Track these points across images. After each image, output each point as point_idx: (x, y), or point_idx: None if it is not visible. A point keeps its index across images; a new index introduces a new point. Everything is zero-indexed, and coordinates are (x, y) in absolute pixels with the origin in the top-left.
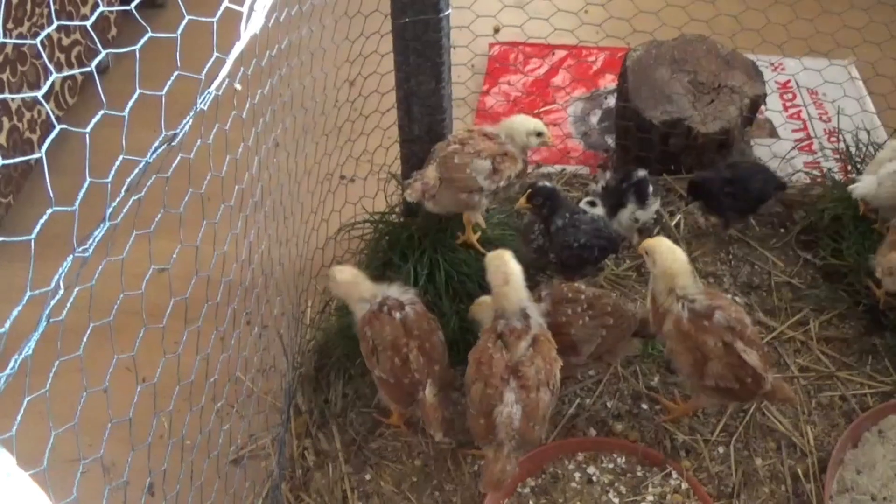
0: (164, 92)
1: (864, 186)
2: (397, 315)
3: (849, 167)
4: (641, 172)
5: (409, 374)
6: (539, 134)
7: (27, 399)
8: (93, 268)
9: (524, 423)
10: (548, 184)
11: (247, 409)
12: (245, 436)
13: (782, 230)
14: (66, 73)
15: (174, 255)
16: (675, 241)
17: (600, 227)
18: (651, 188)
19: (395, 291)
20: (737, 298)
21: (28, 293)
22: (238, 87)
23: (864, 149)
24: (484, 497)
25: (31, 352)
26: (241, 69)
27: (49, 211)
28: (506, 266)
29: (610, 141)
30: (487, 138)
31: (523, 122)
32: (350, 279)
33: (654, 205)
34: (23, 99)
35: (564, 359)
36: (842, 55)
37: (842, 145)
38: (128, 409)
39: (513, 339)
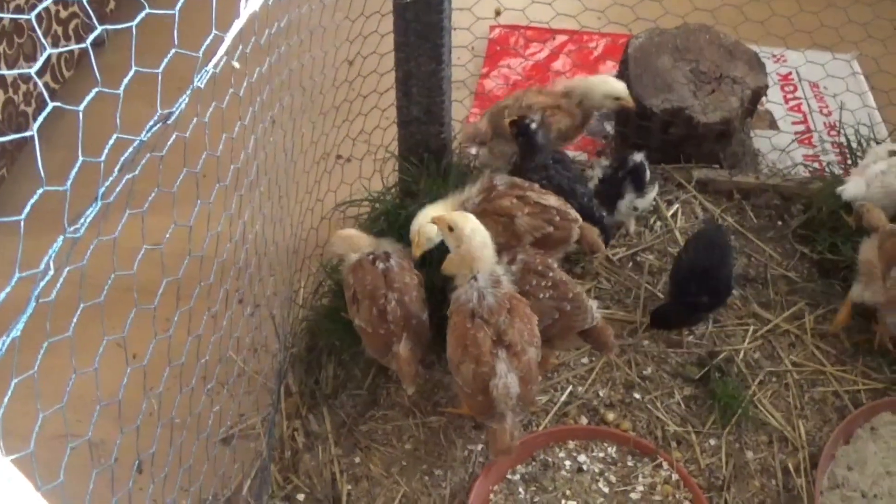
0: (160, 69)
1: (853, 187)
2: (381, 265)
3: (848, 161)
4: (638, 156)
5: (385, 325)
6: (617, 98)
7: (15, 380)
8: (84, 246)
9: (522, 388)
10: (534, 123)
11: (237, 389)
12: (235, 416)
13: (780, 223)
14: (61, 48)
15: (167, 235)
16: (671, 232)
17: (579, 193)
18: (648, 173)
19: (386, 244)
20: (733, 290)
21: (17, 275)
22: (236, 64)
23: (864, 144)
24: (474, 481)
25: (18, 333)
26: (240, 47)
27: (39, 190)
28: (481, 229)
29: (609, 128)
30: (541, 94)
31: (601, 84)
32: (353, 233)
33: (653, 191)
34: None
35: None
36: (845, 50)
37: (842, 139)
38: (117, 389)
39: (494, 318)
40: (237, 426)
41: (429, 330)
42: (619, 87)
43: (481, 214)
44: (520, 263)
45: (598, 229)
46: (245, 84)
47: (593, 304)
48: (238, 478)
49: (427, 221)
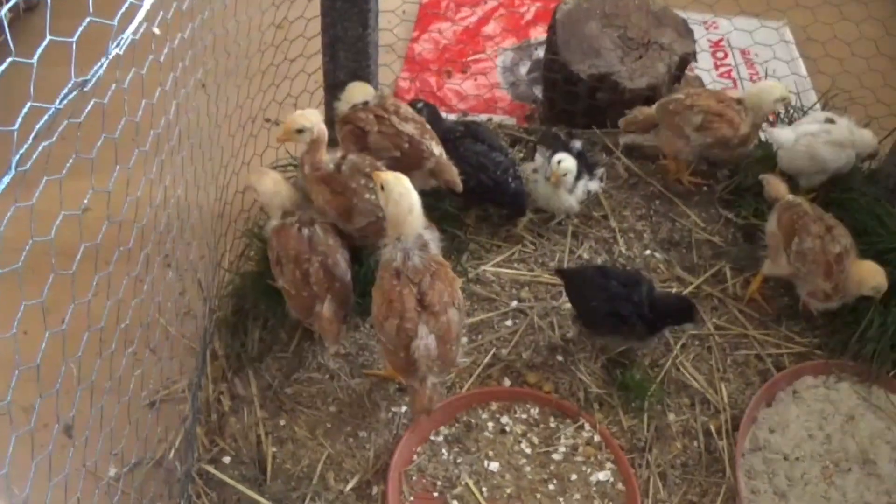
0: (74, 39)
1: (780, 134)
2: (305, 231)
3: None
4: (578, 144)
5: (308, 288)
6: (782, 98)
7: None
8: (1, 214)
9: (441, 347)
10: (428, 104)
11: (162, 353)
12: (162, 380)
13: (705, 188)
14: None
15: (86, 201)
16: (595, 195)
17: (488, 166)
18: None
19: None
20: (656, 254)
21: None
22: (157, 30)
23: (792, 112)
24: (397, 442)
25: None
26: (161, 12)
27: None
28: (410, 194)
29: (537, 92)
30: (714, 97)
31: (770, 91)
32: (271, 188)
33: (599, 173)
34: None
35: (336, 222)
36: (775, 17)
37: None
38: (37, 353)
39: (418, 279)
40: (163, 391)
41: (352, 291)
42: (782, 90)
43: (343, 120)
44: (349, 163)
45: (514, 199)
46: (166, 50)
47: None
48: (164, 441)
49: (310, 112)
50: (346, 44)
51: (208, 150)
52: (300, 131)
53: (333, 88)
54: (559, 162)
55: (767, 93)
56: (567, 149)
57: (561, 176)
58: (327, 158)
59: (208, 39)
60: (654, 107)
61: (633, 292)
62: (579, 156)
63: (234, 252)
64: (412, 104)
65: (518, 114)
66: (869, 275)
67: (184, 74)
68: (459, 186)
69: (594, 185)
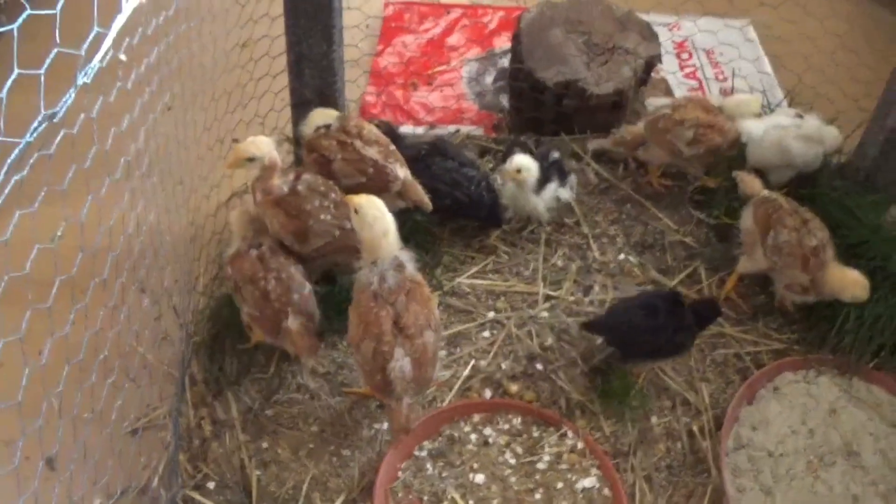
0: (42, 70)
1: (751, 125)
2: (254, 252)
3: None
4: (555, 153)
5: (270, 305)
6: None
7: None
8: None
9: (416, 371)
10: (385, 122)
11: (141, 381)
12: (142, 407)
13: (676, 189)
14: None
15: (59, 232)
16: (570, 202)
17: (462, 182)
18: (566, 167)
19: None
20: (630, 258)
21: None
22: (123, 57)
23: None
24: (381, 460)
25: None
26: (127, 39)
27: None
28: (384, 217)
29: (504, 101)
30: (700, 107)
31: (748, 105)
32: (268, 146)
33: (573, 181)
34: None
35: (292, 246)
36: (738, 17)
37: None
38: (17, 390)
39: (393, 298)
40: (144, 418)
41: (315, 302)
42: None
43: (307, 147)
44: (304, 183)
45: (490, 213)
46: (133, 76)
47: None
48: (148, 469)
49: (261, 140)
50: (312, 61)
51: (178, 175)
52: (250, 160)
53: (300, 106)
54: (512, 160)
55: (745, 106)
56: (536, 156)
57: (514, 173)
58: (280, 182)
59: (174, 63)
60: (640, 124)
61: (678, 317)
62: (554, 163)
63: (207, 275)
64: (378, 124)
65: (485, 123)
66: (851, 285)
67: (151, 99)
68: (429, 206)
69: (566, 194)
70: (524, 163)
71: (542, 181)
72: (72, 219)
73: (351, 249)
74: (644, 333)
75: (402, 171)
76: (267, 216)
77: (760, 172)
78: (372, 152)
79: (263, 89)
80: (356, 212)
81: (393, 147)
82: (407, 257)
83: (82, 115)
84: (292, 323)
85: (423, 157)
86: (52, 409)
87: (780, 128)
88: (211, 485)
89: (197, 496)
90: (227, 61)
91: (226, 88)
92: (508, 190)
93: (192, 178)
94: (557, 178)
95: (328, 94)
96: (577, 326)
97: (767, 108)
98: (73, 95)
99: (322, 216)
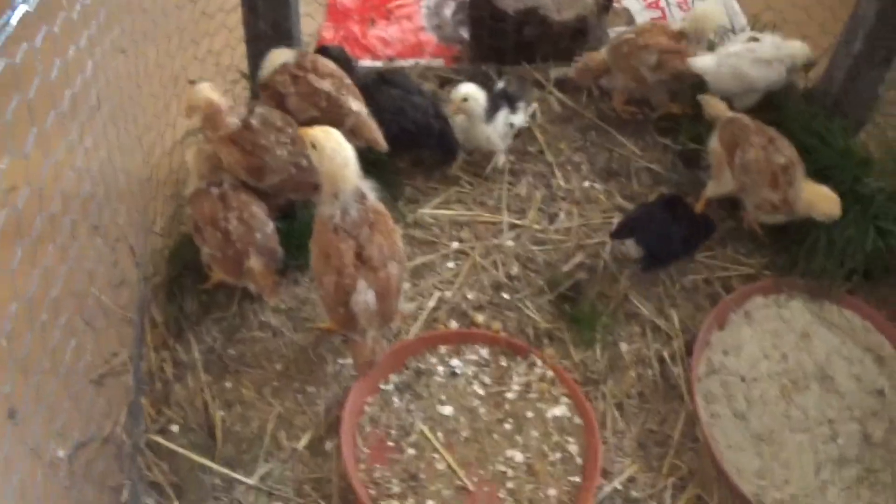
0: None
1: (703, 61)
2: (215, 191)
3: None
4: (500, 83)
5: (232, 245)
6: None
7: None
8: None
9: (381, 302)
10: (338, 48)
11: (99, 325)
12: (103, 354)
13: (640, 116)
14: None
15: (2, 166)
16: (531, 129)
17: (407, 110)
18: (521, 94)
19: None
20: (595, 185)
21: None
22: None
23: (722, 35)
24: (347, 395)
25: None
26: None
27: None
28: (343, 148)
29: (464, 33)
30: (663, 33)
31: (712, 17)
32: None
33: (526, 110)
34: None
35: (249, 182)
36: None
37: None
38: None
39: (357, 231)
40: (107, 364)
41: (277, 241)
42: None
43: (262, 86)
44: (258, 117)
45: (441, 140)
46: (78, 7)
47: None
48: (111, 415)
49: (194, 91)
50: None
51: (130, 112)
52: (194, 111)
53: (255, 42)
54: (458, 89)
55: (710, 19)
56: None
57: (461, 102)
58: (231, 119)
59: None
60: (603, 51)
61: (691, 216)
62: (501, 91)
63: (164, 216)
64: (321, 49)
65: (445, 56)
66: (823, 201)
67: (99, 33)
68: (383, 145)
69: (517, 119)
70: (470, 91)
71: (492, 110)
72: (16, 153)
73: (308, 187)
74: (671, 226)
75: (356, 105)
76: (222, 154)
77: (727, 99)
78: (325, 85)
79: (217, 25)
80: (313, 146)
81: (349, 81)
82: (368, 187)
83: (25, 45)
84: (255, 263)
85: (369, 86)
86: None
87: (733, 56)
88: (175, 428)
89: (161, 440)
90: None
91: (178, 24)
92: (459, 122)
93: (146, 116)
94: (507, 105)
95: (283, 28)
96: (609, 237)
97: (731, 33)
98: (12, 17)
99: (278, 152)
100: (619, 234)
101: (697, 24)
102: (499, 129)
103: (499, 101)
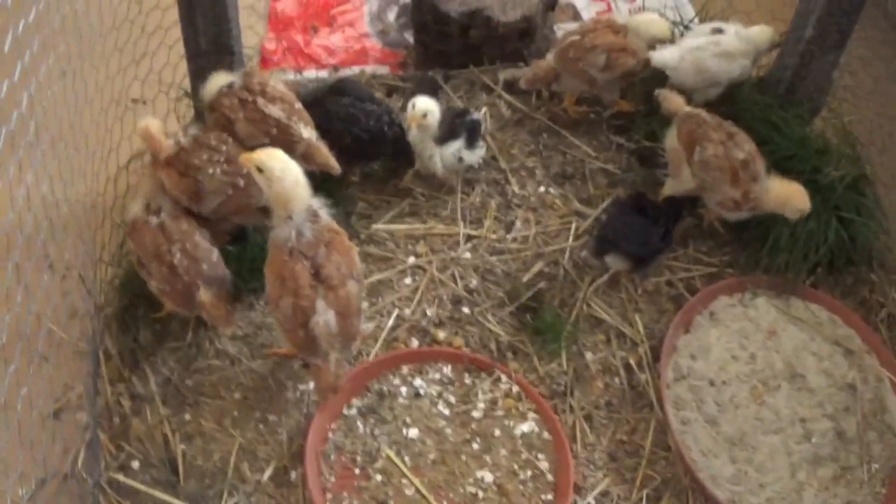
0: None
1: (665, 54)
2: (154, 220)
3: (656, 47)
4: (478, 114)
5: (180, 279)
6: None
7: None
8: None
9: (342, 322)
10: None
11: (52, 360)
12: (56, 389)
13: (592, 116)
14: None
15: None
16: (483, 136)
17: (360, 118)
18: (483, 130)
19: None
20: (551, 190)
21: None
22: None
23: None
24: (310, 422)
25: None
26: None
27: None
28: (290, 167)
29: (408, 37)
30: (609, 30)
31: (648, 27)
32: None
33: (481, 150)
34: None
35: (191, 207)
36: None
37: None
38: None
39: (313, 252)
40: (62, 398)
41: (224, 269)
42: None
43: (209, 108)
44: (189, 138)
45: (396, 147)
46: (9, 38)
47: None
48: (70, 451)
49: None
50: (204, 9)
51: (72, 140)
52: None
53: (196, 58)
54: (414, 105)
55: (645, 29)
56: (452, 109)
57: (420, 118)
58: (168, 142)
59: (56, 22)
60: (549, 57)
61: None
62: (471, 123)
63: (113, 244)
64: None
65: (391, 62)
66: (797, 197)
67: (33, 62)
68: (336, 169)
69: (469, 157)
70: (430, 106)
71: (448, 135)
72: None
73: (249, 210)
74: (649, 228)
75: (306, 131)
76: (164, 178)
77: (686, 93)
78: (275, 110)
79: (157, 43)
80: (259, 170)
81: (298, 105)
82: (319, 205)
83: None
84: (204, 295)
85: (319, 99)
86: None
87: (695, 50)
88: (135, 464)
89: (121, 478)
90: (115, 16)
91: (116, 45)
92: (413, 136)
93: (89, 143)
94: (466, 139)
95: (223, 43)
96: (587, 253)
97: (680, 26)
98: None
99: (210, 170)
100: (599, 251)
101: (641, 31)
102: (445, 158)
103: (459, 129)
